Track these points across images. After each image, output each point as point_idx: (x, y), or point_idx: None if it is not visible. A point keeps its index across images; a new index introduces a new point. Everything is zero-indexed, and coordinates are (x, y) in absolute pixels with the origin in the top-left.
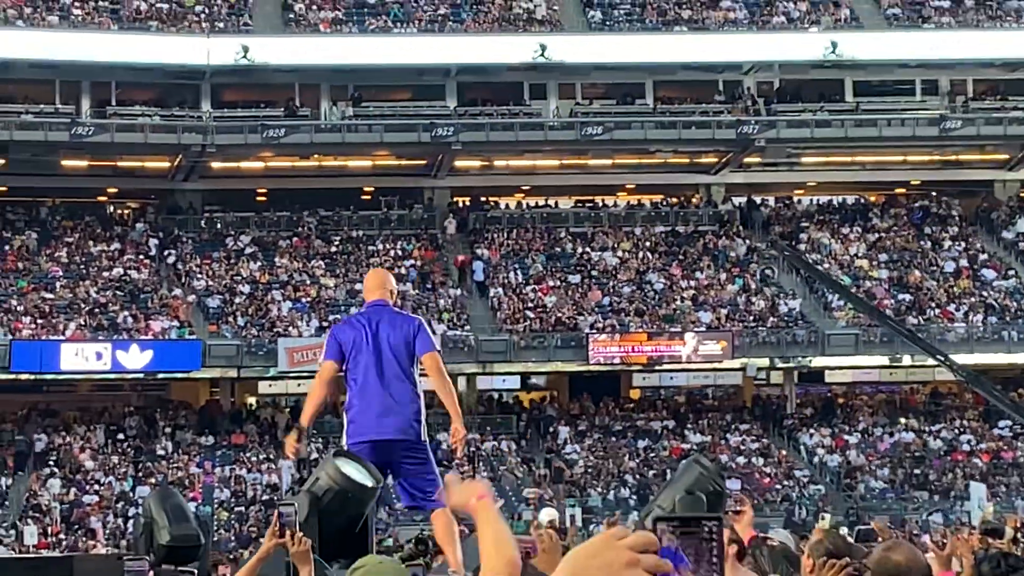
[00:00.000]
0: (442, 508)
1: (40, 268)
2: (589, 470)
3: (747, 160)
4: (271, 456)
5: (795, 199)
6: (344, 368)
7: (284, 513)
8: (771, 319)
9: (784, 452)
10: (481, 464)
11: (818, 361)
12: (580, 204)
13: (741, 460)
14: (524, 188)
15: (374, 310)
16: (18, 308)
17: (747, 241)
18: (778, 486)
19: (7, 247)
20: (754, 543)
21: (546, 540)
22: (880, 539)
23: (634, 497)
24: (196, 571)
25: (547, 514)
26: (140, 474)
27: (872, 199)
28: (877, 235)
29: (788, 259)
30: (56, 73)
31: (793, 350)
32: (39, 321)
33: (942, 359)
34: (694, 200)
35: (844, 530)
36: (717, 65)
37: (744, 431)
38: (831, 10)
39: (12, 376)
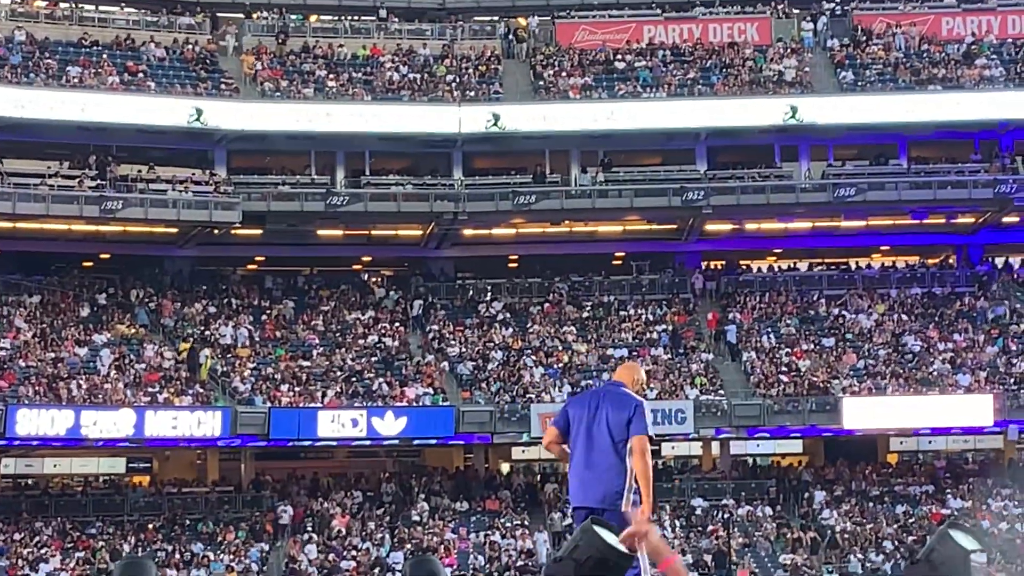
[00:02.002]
0: None
1: (297, 336)
2: (847, 535)
3: (1005, 219)
4: (525, 522)
5: None
6: (567, 438)
7: None
8: None
9: None
10: (736, 529)
11: None
12: (833, 267)
13: (1004, 526)
14: (776, 251)
15: (605, 388)
16: (276, 376)
17: (1006, 302)
18: None
19: (265, 316)
20: None
21: None
22: None
23: (891, 563)
24: None
25: None
26: (396, 540)
27: None
28: None
29: None
30: (312, 144)
31: None
32: (297, 389)
33: None
34: (951, 261)
35: None
36: (973, 123)
37: (1007, 496)
38: None
39: (271, 443)
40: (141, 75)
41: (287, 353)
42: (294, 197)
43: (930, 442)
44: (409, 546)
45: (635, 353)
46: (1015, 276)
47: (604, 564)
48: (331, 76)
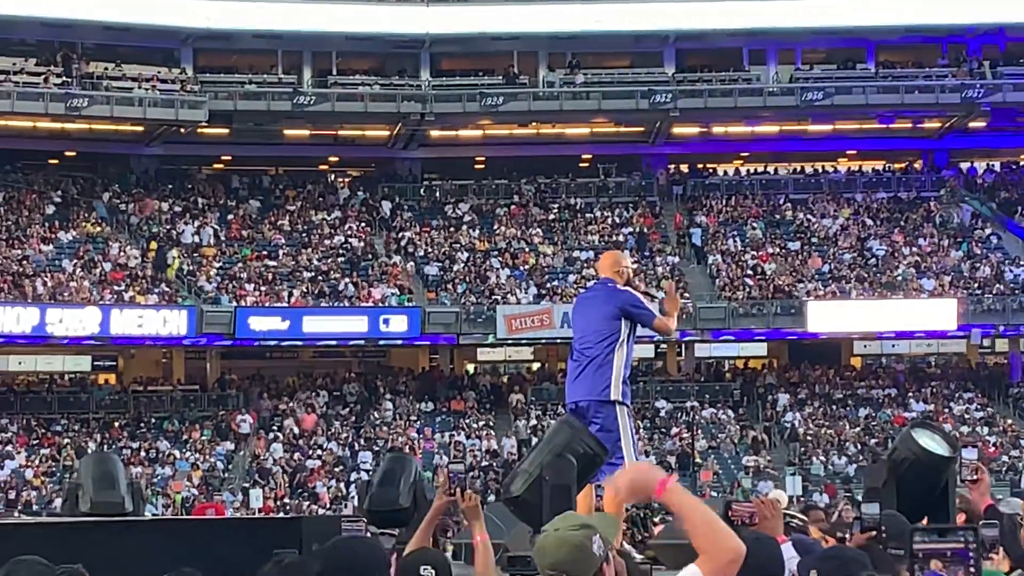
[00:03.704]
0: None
1: (263, 236)
2: (809, 438)
3: (972, 124)
4: (490, 423)
5: (1022, 163)
6: None
7: (454, 471)
8: (996, 286)
9: (1009, 421)
10: (699, 431)
11: None
12: (800, 170)
13: (965, 429)
14: (743, 154)
15: (595, 287)
16: (242, 275)
17: (956, 207)
18: (1004, 456)
19: (231, 216)
20: (988, 511)
21: (767, 508)
22: None
23: (854, 466)
24: (396, 534)
25: (776, 495)
26: (361, 439)
27: None
28: None
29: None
30: (278, 43)
31: (1019, 317)
32: (262, 288)
33: None
34: (916, 165)
35: None
36: (941, 28)
37: (968, 400)
38: None
39: (237, 343)
40: None
41: (253, 253)
42: (261, 96)
43: (893, 346)
44: (375, 446)
45: (600, 256)
46: (979, 180)
47: (592, 459)
48: None
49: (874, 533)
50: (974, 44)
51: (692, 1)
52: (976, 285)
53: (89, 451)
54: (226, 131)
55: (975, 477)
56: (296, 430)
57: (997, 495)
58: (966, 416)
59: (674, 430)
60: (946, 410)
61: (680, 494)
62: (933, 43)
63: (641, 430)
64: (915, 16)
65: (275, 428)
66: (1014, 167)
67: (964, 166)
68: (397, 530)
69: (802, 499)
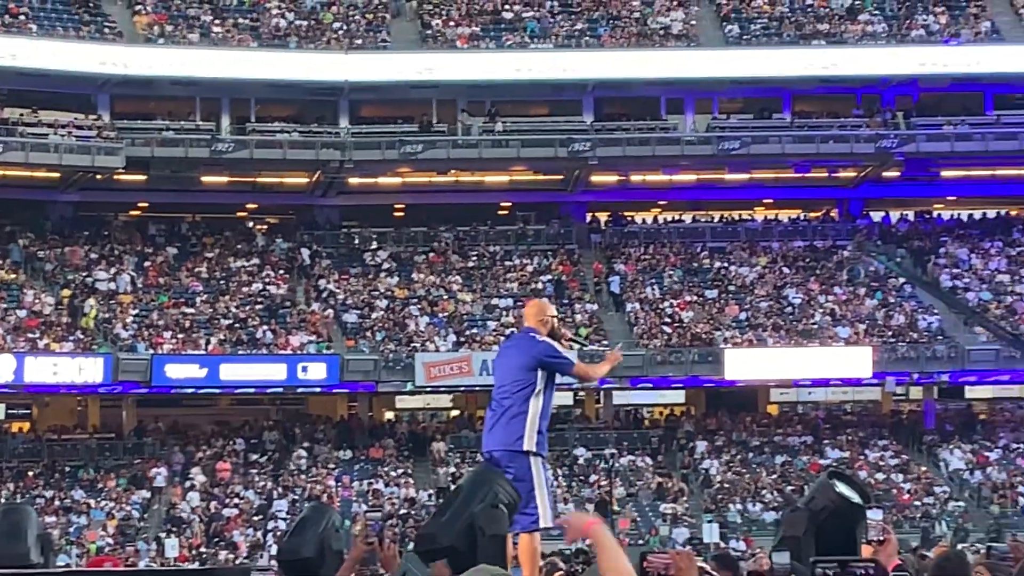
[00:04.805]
0: (529, 534)
1: (181, 283)
2: (726, 485)
3: (886, 174)
4: (409, 471)
5: (934, 213)
6: None
7: (373, 521)
8: (910, 334)
9: (924, 468)
10: (618, 479)
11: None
12: (717, 219)
13: (880, 476)
14: (660, 203)
15: (516, 337)
16: (159, 323)
17: (880, 261)
18: (917, 503)
19: (148, 262)
20: (896, 570)
21: (683, 559)
22: (1016, 558)
23: (771, 513)
24: None
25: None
26: (279, 488)
27: (1014, 213)
28: (1018, 249)
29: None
30: (196, 90)
31: (933, 365)
32: (180, 336)
33: None
34: (832, 214)
35: (982, 548)
36: (855, 79)
37: (883, 447)
38: (971, 23)
39: (153, 390)
40: (23, 17)
41: (170, 300)
42: (178, 143)
43: (810, 393)
44: (293, 495)
45: (520, 303)
46: (893, 229)
47: (514, 508)
48: (216, 21)
49: None
50: (888, 95)
51: (611, 50)
52: (890, 333)
53: (2, 500)
54: (143, 178)
55: (882, 538)
56: (213, 478)
57: (912, 542)
58: (881, 463)
59: (593, 477)
60: (861, 457)
61: (603, 532)
62: (848, 94)
63: (560, 477)
64: (830, 67)
65: (191, 476)
66: (927, 216)
67: (878, 215)
68: None
69: (720, 545)
